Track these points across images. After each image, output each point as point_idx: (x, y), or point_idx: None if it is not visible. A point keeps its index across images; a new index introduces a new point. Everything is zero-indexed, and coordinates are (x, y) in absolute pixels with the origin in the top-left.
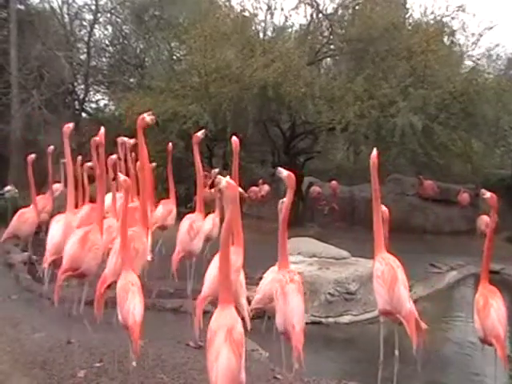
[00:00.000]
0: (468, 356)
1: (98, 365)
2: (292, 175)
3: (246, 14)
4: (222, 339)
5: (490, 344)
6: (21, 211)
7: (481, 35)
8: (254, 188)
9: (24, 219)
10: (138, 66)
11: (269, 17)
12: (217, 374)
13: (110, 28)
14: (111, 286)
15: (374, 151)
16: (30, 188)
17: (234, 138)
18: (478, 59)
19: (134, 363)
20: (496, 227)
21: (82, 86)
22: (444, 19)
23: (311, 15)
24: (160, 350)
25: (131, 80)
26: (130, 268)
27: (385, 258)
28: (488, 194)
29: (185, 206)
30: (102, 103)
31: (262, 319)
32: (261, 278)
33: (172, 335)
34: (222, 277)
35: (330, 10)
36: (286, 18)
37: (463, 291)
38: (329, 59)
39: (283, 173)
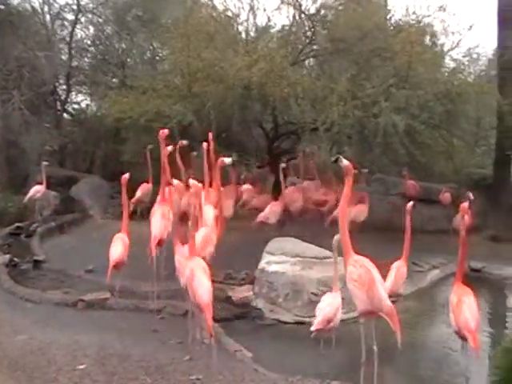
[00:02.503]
0: (449, 351)
1: (80, 367)
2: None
3: (229, 13)
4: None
5: (464, 337)
6: None
7: (461, 34)
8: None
9: None
10: (120, 66)
11: (251, 17)
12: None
13: (91, 28)
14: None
15: (345, 161)
16: None
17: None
18: (460, 60)
19: (205, 341)
20: (473, 227)
21: (64, 87)
22: (425, 20)
23: (294, 16)
24: (144, 350)
25: (113, 80)
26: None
27: (358, 260)
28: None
29: None
30: (84, 104)
31: (245, 319)
32: (243, 279)
33: (156, 336)
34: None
35: (312, 11)
36: (269, 18)
37: (445, 289)
38: (312, 59)
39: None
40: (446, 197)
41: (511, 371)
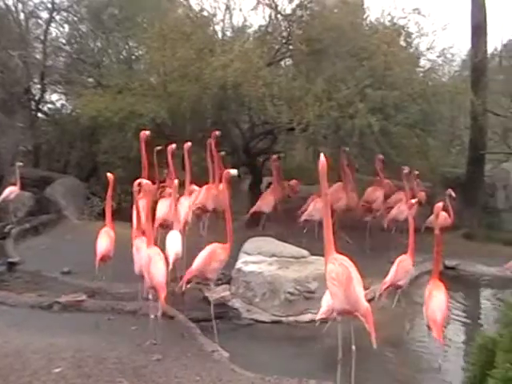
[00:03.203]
0: (426, 349)
1: (56, 370)
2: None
3: (205, 13)
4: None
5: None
6: None
7: (435, 35)
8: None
9: None
10: (95, 66)
11: (228, 17)
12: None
13: (66, 27)
14: None
15: (322, 157)
16: None
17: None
18: (434, 60)
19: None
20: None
21: (38, 86)
22: (400, 21)
23: (270, 16)
24: (120, 353)
25: (89, 79)
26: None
27: (337, 258)
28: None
29: None
30: (59, 103)
31: (222, 319)
32: (220, 279)
33: (132, 338)
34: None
35: (288, 11)
36: (245, 18)
37: (421, 287)
38: (288, 60)
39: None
40: (421, 196)
41: (486, 368)
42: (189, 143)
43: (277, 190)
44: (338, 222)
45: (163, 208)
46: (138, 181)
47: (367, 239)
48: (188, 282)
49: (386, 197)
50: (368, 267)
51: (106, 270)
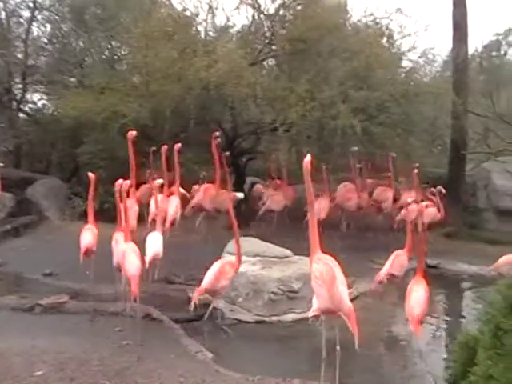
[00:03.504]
0: (409, 347)
1: (38, 373)
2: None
3: (188, 13)
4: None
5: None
6: None
7: (417, 36)
8: (196, 187)
9: None
10: (78, 65)
11: (210, 17)
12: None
13: (48, 26)
14: None
15: (308, 157)
16: None
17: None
18: (416, 61)
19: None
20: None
21: (20, 86)
22: (382, 21)
23: (253, 16)
24: (103, 354)
25: (71, 79)
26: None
27: (321, 258)
28: None
29: None
30: (40, 103)
31: (206, 321)
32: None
33: (115, 339)
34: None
35: (271, 11)
36: (228, 18)
37: (401, 286)
38: (271, 60)
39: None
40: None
41: (467, 365)
42: (179, 144)
43: (286, 190)
44: (347, 221)
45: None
46: (119, 181)
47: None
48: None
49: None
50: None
51: (89, 271)
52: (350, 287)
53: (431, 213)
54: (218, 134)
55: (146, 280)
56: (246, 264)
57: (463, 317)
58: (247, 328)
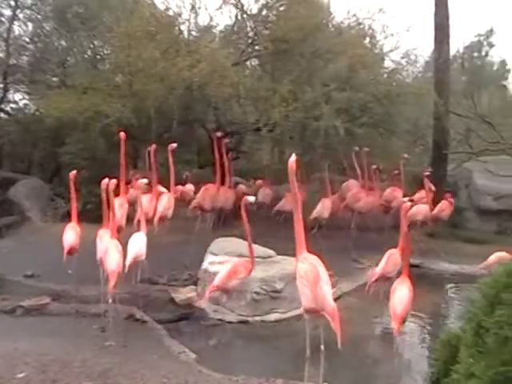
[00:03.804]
0: (392, 345)
1: (20, 375)
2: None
3: (171, 13)
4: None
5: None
6: None
7: (399, 36)
8: (179, 187)
9: None
10: (60, 65)
11: (193, 16)
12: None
13: (30, 25)
14: None
15: (293, 156)
16: None
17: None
18: (398, 61)
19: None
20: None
21: (1, 85)
22: (365, 21)
23: (236, 15)
24: (85, 356)
25: (53, 79)
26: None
27: (307, 257)
28: None
29: None
30: (22, 103)
31: (188, 320)
32: (186, 280)
33: (98, 341)
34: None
35: (254, 11)
36: (211, 17)
37: (385, 285)
38: (254, 60)
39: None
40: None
41: (449, 363)
42: (174, 144)
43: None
44: (356, 222)
45: (145, 203)
46: (105, 180)
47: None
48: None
49: None
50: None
51: (72, 271)
52: (333, 286)
53: (423, 209)
54: (219, 134)
55: (129, 281)
56: (229, 264)
57: (446, 315)
58: (230, 328)
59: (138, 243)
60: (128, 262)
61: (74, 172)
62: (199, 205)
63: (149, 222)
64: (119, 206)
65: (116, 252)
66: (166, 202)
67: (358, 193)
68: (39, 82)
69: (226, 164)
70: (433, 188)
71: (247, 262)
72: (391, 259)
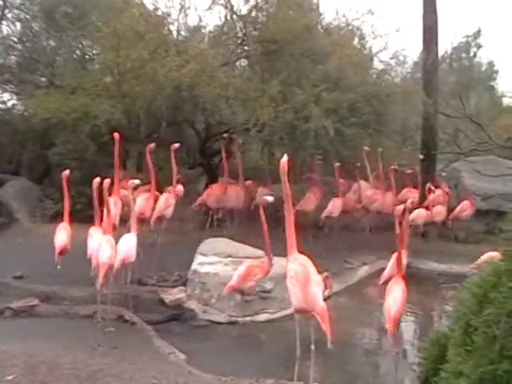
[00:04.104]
0: (381, 345)
1: (9, 378)
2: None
3: (159, 13)
4: (106, 244)
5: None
6: None
7: (388, 37)
8: (169, 188)
9: None
10: (48, 65)
11: (182, 16)
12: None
13: (18, 25)
14: None
15: (285, 157)
16: None
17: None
18: (387, 62)
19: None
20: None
21: None
22: (354, 22)
23: (225, 16)
24: (75, 358)
25: (42, 79)
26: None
27: (297, 257)
28: None
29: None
30: (10, 103)
31: (178, 321)
32: (176, 281)
33: (87, 342)
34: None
35: (244, 12)
36: (200, 18)
37: (375, 284)
38: (244, 60)
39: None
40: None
41: (438, 362)
42: (176, 145)
43: (317, 191)
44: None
45: (141, 202)
46: (96, 179)
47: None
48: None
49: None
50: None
51: (61, 269)
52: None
53: (422, 213)
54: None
55: (118, 282)
56: (218, 265)
57: (434, 315)
58: (220, 329)
59: (128, 244)
60: (116, 262)
61: (67, 172)
62: (203, 202)
63: (145, 221)
64: (113, 204)
65: (108, 246)
66: (163, 202)
67: (374, 194)
68: (27, 82)
69: (240, 163)
70: (433, 188)
71: (264, 263)
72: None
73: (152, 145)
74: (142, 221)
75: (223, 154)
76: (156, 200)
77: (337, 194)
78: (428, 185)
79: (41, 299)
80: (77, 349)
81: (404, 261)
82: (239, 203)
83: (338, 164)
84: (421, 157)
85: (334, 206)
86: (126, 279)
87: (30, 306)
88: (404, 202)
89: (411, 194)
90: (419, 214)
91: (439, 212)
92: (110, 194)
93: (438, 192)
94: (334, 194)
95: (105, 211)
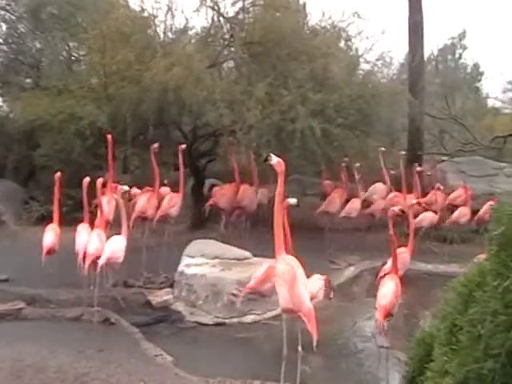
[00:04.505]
0: (369, 344)
1: None
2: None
3: (146, 14)
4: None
5: None
6: None
7: (374, 39)
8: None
9: None
10: (34, 66)
11: (169, 18)
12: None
13: (4, 25)
14: None
15: (275, 157)
16: None
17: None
18: (374, 63)
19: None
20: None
21: None
22: (340, 24)
23: (212, 18)
24: (61, 361)
25: (27, 80)
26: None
27: (285, 258)
28: None
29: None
30: None
31: (165, 323)
32: (163, 283)
33: (73, 345)
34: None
35: (231, 14)
36: (187, 20)
37: (361, 285)
38: (230, 62)
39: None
40: (360, 195)
41: (424, 361)
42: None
43: (342, 192)
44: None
45: (142, 202)
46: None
47: None
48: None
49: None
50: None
51: (47, 277)
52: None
53: (429, 217)
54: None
55: (103, 283)
56: (205, 266)
57: (420, 314)
58: (207, 330)
59: (115, 245)
60: (101, 260)
61: (59, 173)
62: (215, 203)
63: (145, 220)
64: (107, 202)
65: (97, 239)
66: (167, 201)
67: (395, 196)
68: (13, 84)
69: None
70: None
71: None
72: (399, 258)
73: (156, 145)
74: (144, 220)
75: (233, 158)
76: (160, 200)
77: (356, 195)
78: (437, 185)
79: (27, 302)
80: (63, 352)
81: (408, 261)
82: (252, 204)
83: (357, 164)
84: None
85: (352, 207)
86: (107, 280)
87: (16, 310)
88: (429, 204)
89: (437, 197)
90: (425, 217)
91: (464, 214)
92: (103, 194)
93: (458, 192)
94: (354, 195)
95: (98, 209)
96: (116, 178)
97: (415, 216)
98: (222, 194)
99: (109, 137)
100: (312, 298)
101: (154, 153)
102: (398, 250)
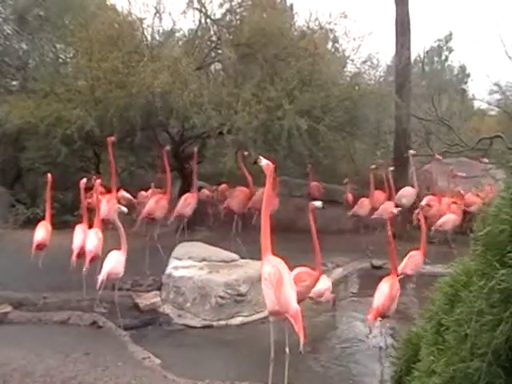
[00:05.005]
0: (358, 346)
1: None
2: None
3: (133, 17)
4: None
5: None
6: None
7: (361, 40)
8: (143, 193)
9: None
10: (20, 68)
11: (157, 21)
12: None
13: None
14: None
15: (263, 159)
16: None
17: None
18: (361, 65)
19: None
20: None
21: None
22: (327, 25)
23: (199, 20)
24: (48, 365)
25: (13, 83)
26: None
27: (271, 260)
28: None
29: (71, 213)
30: None
31: (152, 326)
32: (150, 285)
33: (60, 349)
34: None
35: (218, 16)
36: (174, 22)
37: (349, 286)
38: (218, 64)
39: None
40: (348, 198)
41: (411, 361)
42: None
43: (373, 196)
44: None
45: (151, 204)
46: (83, 180)
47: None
48: None
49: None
50: None
51: (34, 280)
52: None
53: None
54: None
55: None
56: (193, 269)
57: (408, 315)
58: (195, 333)
59: (115, 261)
60: (102, 275)
61: (50, 175)
62: (228, 206)
63: (153, 221)
64: (107, 201)
65: (95, 237)
66: (182, 201)
67: (430, 200)
68: None
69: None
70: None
71: (313, 270)
72: (411, 260)
73: (167, 147)
74: (151, 221)
75: (241, 165)
76: (169, 201)
77: (367, 195)
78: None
79: (13, 306)
80: (50, 356)
81: (420, 263)
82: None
83: (391, 168)
84: (391, 168)
85: (384, 209)
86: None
87: (2, 313)
88: (468, 206)
89: (475, 199)
90: (448, 219)
91: (449, 220)
92: (102, 194)
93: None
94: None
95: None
96: (103, 181)
97: (438, 217)
98: (234, 198)
99: (109, 139)
100: (320, 296)
101: (167, 155)
102: (411, 253)
